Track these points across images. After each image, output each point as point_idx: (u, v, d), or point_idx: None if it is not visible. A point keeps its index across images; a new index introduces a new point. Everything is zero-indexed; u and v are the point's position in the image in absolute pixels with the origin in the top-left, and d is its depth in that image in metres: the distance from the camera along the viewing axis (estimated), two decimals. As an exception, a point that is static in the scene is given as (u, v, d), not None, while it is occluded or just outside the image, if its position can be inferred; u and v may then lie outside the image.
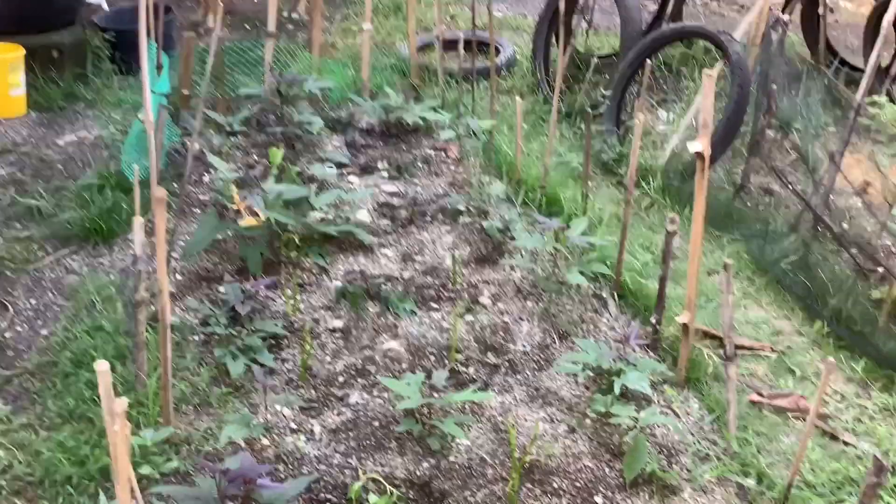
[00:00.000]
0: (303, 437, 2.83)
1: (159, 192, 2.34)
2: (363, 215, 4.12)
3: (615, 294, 3.69)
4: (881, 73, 5.37)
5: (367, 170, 4.56)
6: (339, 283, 3.60)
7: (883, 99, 4.08)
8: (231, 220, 3.71)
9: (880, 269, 3.74)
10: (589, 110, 4.08)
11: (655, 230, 4.25)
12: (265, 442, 2.80)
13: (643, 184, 4.55)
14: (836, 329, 3.49)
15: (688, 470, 2.81)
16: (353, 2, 6.74)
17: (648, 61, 4.46)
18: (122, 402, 1.51)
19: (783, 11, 5.82)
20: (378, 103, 4.92)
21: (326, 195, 3.94)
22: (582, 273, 3.52)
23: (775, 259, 3.84)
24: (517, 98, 4.37)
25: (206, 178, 4.35)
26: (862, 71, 4.51)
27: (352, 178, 4.48)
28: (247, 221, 3.79)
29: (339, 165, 4.53)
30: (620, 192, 4.50)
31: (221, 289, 3.46)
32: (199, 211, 4.07)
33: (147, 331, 2.94)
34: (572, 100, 5.36)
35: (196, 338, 3.24)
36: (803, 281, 3.71)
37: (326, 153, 4.57)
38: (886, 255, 4.04)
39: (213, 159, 4.00)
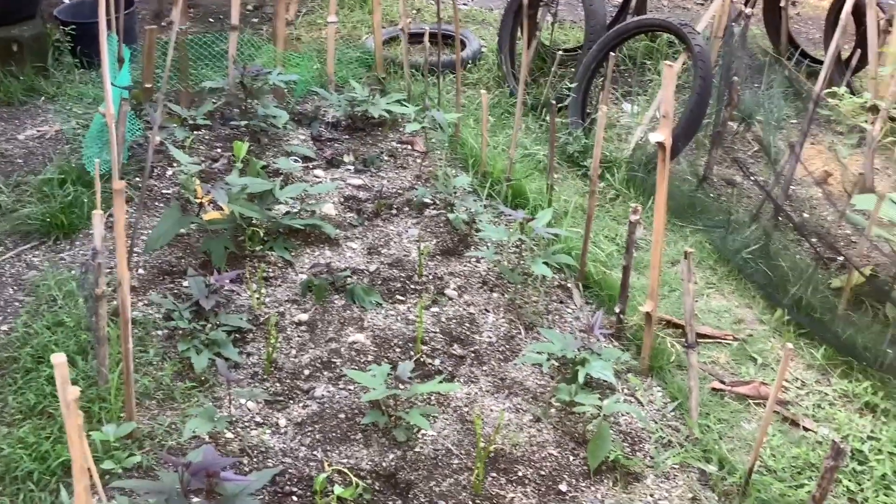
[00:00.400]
0: (268, 431, 2.82)
1: (118, 184, 2.32)
2: (329, 209, 4.11)
3: (580, 284, 3.71)
4: (841, 64, 5.45)
5: (332, 163, 4.54)
6: (304, 277, 3.59)
7: (842, 90, 4.14)
8: (194, 214, 3.68)
9: (840, 258, 3.80)
10: (554, 103, 4.09)
11: (620, 221, 4.28)
12: (229, 435, 2.79)
13: (608, 175, 4.58)
14: (797, 317, 3.53)
15: (651, 457, 2.84)
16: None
17: (612, 54, 4.48)
18: (74, 391, 1.50)
19: (745, 4, 5.88)
20: (344, 97, 4.90)
21: (291, 188, 3.92)
22: (547, 264, 3.54)
23: (737, 249, 3.88)
24: (482, 91, 4.38)
25: (169, 172, 4.31)
26: (821, 62, 4.57)
27: (317, 171, 4.46)
28: (210, 215, 3.77)
29: (305, 159, 4.52)
30: (585, 183, 4.52)
31: (185, 283, 3.44)
32: (162, 205, 4.04)
33: (109, 325, 2.91)
34: (538, 93, 5.37)
35: (159, 332, 3.22)
36: (764, 270, 3.76)
37: (292, 147, 4.55)
38: (846, 244, 4.11)
39: (175, 152, 3.97)
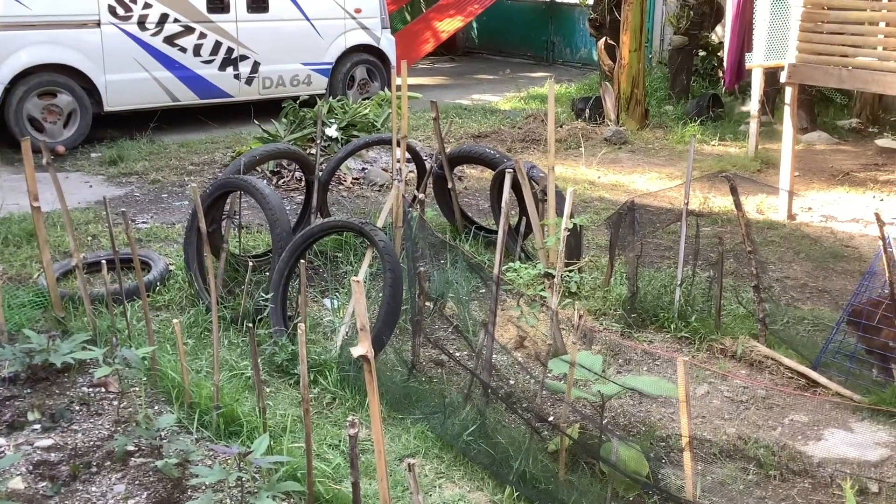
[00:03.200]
0: None
1: None
2: (17, 483, 3.61)
3: (312, 508, 3.54)
4: (512, 231, 5.95)
5: (14, 426, 4.05)
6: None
7: (517, 264, 4.48)
8: None
9: (550, 420, 3.99)
10: (250, 316, 4.01)
11: (341, 425, 4.20)
12: None
13: (321, 379, 4.52)
14: (525, 491, 3.62)
15: None
16: (-24, 237, 6.18)
17: (303, 261, 4.52)
18: None
19: (417, 189, 6.30)
20: (19, 347, 4.45)
21: (-35, 472, 3.41)
22: (273, 496, 3.34)
23: (457, 432, 3.95)
24: (174, 320, 4.18)
25: None
26: (496, 232, 4.94)
27: (-3, 440, 3.95)
28: None
29: (-20, 427, 3.99)
30: (299, 392, 4.41)
31: None
32: None
33: None
34: (236, 304, 5.25)
35: None
36: (486, 449, 3.84)
37: (-39, 418, 4.00)
38: (553, 404, 4.35)
39: None
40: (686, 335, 5.08)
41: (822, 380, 4.56)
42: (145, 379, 4.43)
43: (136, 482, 3.67)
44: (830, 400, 4.46)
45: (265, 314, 4.94)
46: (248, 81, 10.67)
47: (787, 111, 7.46)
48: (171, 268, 5.78)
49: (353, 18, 11.42)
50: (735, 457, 3.99)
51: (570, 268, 4.90)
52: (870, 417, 4.31)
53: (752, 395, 4.53)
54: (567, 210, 4.03)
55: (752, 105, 9.39)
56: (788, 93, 7.40)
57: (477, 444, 3.89)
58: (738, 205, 4.97)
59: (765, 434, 4.18)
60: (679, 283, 5.25)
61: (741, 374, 4.75)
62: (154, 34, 9.81)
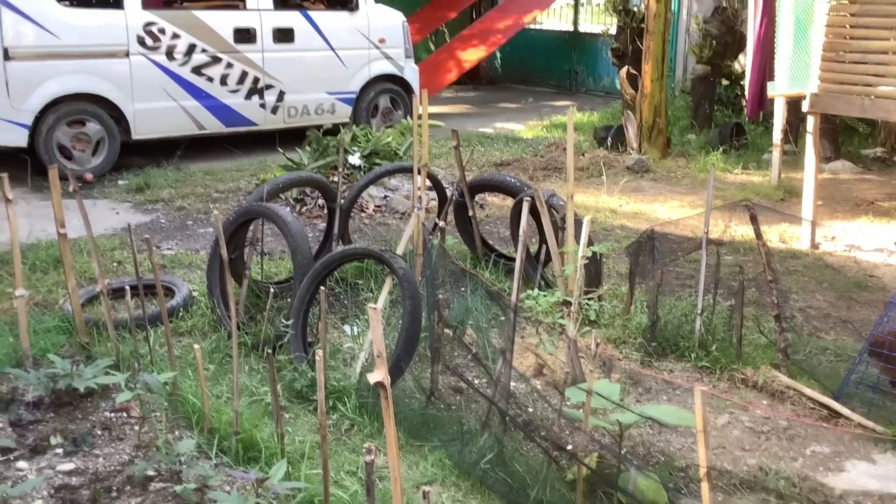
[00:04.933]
0: None
1: None
2: (37, 507, 3.66)
3: (328, 534, 3.55)
4: (532, 259, 5.96)
5: (37, 450, 4.10)
6: None
7: (535, 292, 4.49)
8: None
9: (568, 448, 3.98)
10: (271, 342, 4.04)
11: (359, 452, 4.21)
12: None
13: (339, 406, 4.54)
14: (542, 520, 3.61)
15: None
16: (4, 261, 6.28)
17: (323, 288, 4.56)
18: None
19: (438, 217, 6.34)
20: (43, 372, 4.51)
21: (-12, 495, 3.46)
22: (289, 522, 3.36)
23: (475, 460, 3.95)
24: (195, 346, 4.23)
25: None
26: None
27: (20, 463, 3.99)
28: None
29: (5, 451, 4.04)
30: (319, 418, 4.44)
31: None
32: None
33: None
34: (257, 330, 5.30)
35: None
36: (503, 478, 3.83)
37: (-15, 442, 4.06)
38: (571, 432, 4.33)
39: None
40: (707, 364, 5.05)
41: (845, 411, 4.51)
42: (166, 404, 4.48)
43: (156, 507, 3.70)
44: (853, 431, 4.41)
45: (286, 340, 4.98)
46: (274, 110, 10.82)
47: (809, 140, 7.43)
48: (195, 294, 5.84)
49: (378, 49, 11.56)
50: (755, 488, 3.95)
51: (590, 296, 4.90)
52: (893, 449, 4.26)
53: (773, 426, 4.49)
54: (584, 238, 4.05)
55: (775, 134, 9.36)
56: (811, 122, 7.38)
57: (494, 473, 3.88)
58: (758, 234, 4.95)
59: (785, 465, 4.14)
60: (700, 311, 5.23)
61: (762, 404, 4.71)
62: (182, 64, 9.98)
